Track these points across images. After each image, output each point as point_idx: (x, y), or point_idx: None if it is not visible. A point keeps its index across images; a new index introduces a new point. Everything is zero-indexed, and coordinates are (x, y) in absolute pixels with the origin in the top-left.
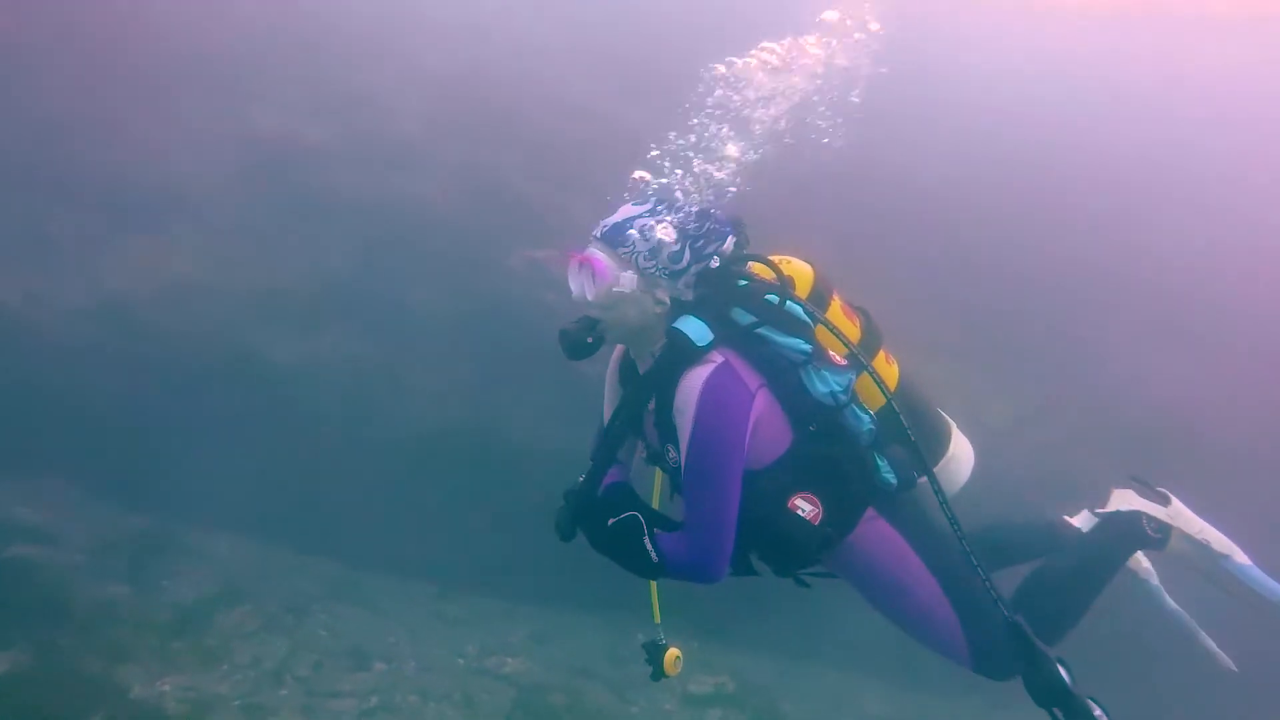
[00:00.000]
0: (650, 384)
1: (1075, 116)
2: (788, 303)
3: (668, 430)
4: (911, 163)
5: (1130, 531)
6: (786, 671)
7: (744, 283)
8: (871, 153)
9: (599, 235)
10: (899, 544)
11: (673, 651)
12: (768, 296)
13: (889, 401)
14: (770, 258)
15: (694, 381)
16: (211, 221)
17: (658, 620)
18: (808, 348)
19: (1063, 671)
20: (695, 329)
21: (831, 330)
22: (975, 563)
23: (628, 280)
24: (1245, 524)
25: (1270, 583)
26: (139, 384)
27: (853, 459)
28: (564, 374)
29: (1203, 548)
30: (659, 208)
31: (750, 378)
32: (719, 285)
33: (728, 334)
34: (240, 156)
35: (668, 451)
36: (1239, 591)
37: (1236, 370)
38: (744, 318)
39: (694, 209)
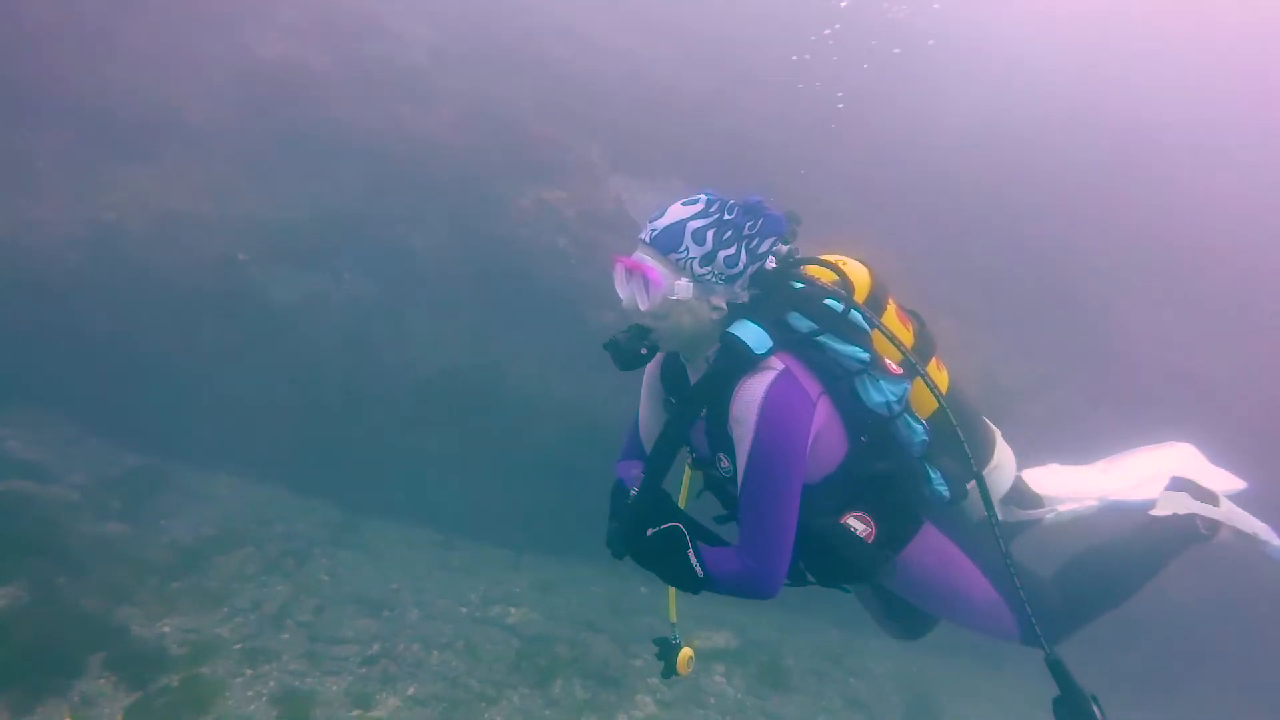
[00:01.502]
0: (704, 392)
1: (1100, 79)
2: (852, 312)
3: (719, 439)
4: (930, 123)
5: (1184, 535)
6: (788, 628)
7: (799, 285)
8: (889, 112)
9: (648, 240)
10: (950, 551)
11: (686, 651)
12: (827, 301)
13: (942, 408)
14: (828, 259)
15: (754, 391)
16: (208, 150)
17: (673, 619)
18: (866, 356)
19: (1096, 710)
20: (753, 335)
21: (888, 337)
22: (1018, 583)
23: (682, 288)
24: (1264, 490)
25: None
26: (134, 318)
27: (906, 474)
28: (570, 319)
29: (1250, 539)
30: (710, 208)
31: (811, 385)
32: (775, 287)
33: (786, 339)
34: (238, 82)
35: (719, 460)
36: None
37: (1257, 336)
38: (801, 323)
39: (744, 204)
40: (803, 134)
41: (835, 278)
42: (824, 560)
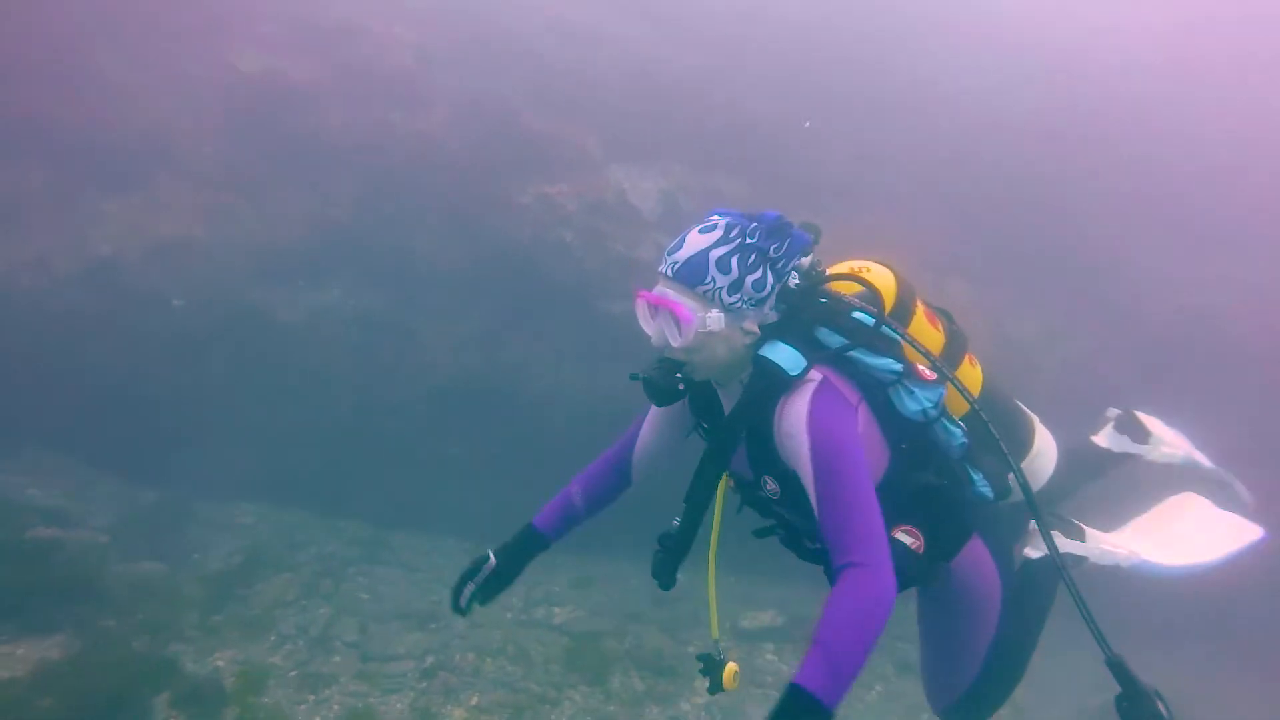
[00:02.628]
0: (742, 416)
1: (1096, 25)
2: (883, 327)
3: (762, 460)
4: (929, 76)
5: (1051, 571)
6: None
7: (825, 299)
8: (889, 67)
9: (671, 274)
10: (991, 575)
11: (731, 666)
12: (855, 315)
13: (975, 409)
14: (852, 268)
15: (799, 405)
16: (198, 174)
17: (715, 635)
18: (899, 367)
19: (1161, 707)
20: (786, 357)
21: (917, 349)
22: (1075, 590)
23: (714, 320)
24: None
25: (1166, 568)
26: (138, 352)
27: (950, 481)
28: (581, 314)
29: (1111, 569)
30: (730, 233)
31: (849, 393)
32: (801, 303)
33: (818, 355)
34: (222, 100)
35: (765, 483)
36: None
37: (1263, 272)
38: (832, 338)
39: (765, 225)
40: (798, 105)
41: (861, 289)
42: None
